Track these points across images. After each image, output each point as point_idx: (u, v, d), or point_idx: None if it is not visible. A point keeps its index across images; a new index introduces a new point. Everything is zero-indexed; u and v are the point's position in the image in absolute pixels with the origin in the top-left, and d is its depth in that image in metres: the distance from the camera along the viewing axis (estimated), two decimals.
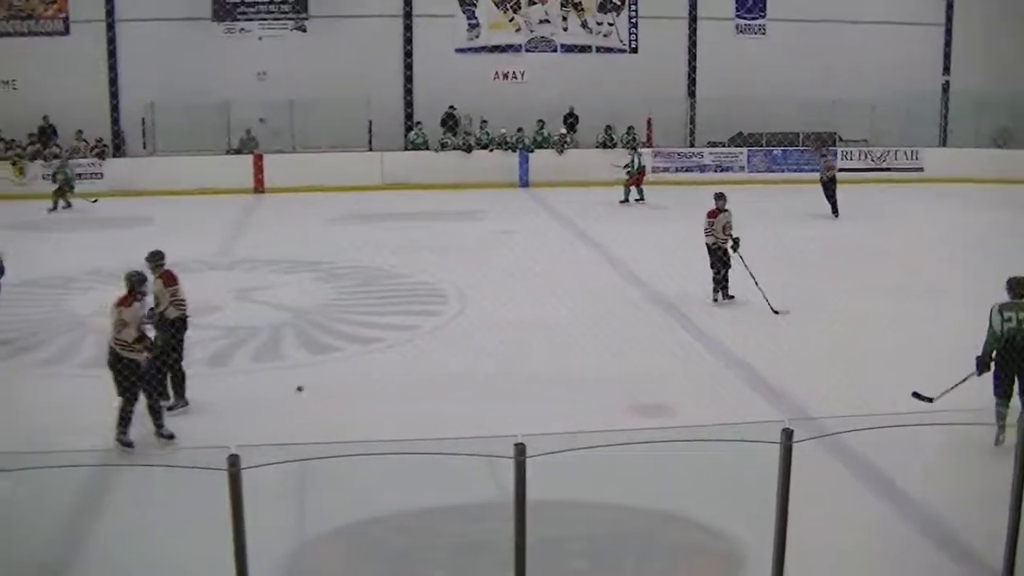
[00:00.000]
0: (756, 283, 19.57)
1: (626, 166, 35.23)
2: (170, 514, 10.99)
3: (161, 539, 10.83)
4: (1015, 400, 13.03)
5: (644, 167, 35.63)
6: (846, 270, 23.19)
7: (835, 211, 31.11)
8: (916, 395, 13.40)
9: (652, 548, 11.05)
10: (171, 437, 13.53)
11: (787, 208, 31.49)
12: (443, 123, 40.27)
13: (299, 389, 15.06)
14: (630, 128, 39.34)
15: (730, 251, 20.12)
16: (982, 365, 13.10)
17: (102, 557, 10.93)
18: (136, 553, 10.68)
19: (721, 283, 20.29)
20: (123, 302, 13.48)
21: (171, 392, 14.74)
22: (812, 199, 31.42)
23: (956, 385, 12.90)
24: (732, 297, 20.26)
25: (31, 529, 11.25)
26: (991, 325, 13.18)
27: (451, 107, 40.38)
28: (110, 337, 13.39)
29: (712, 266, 20.28)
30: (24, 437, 12.65)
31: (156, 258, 15.01)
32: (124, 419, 13.18)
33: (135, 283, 13.62)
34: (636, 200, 34.86)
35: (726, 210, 20.37)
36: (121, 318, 13.31)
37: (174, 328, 14.79)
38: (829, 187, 31.27)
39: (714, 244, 20.20)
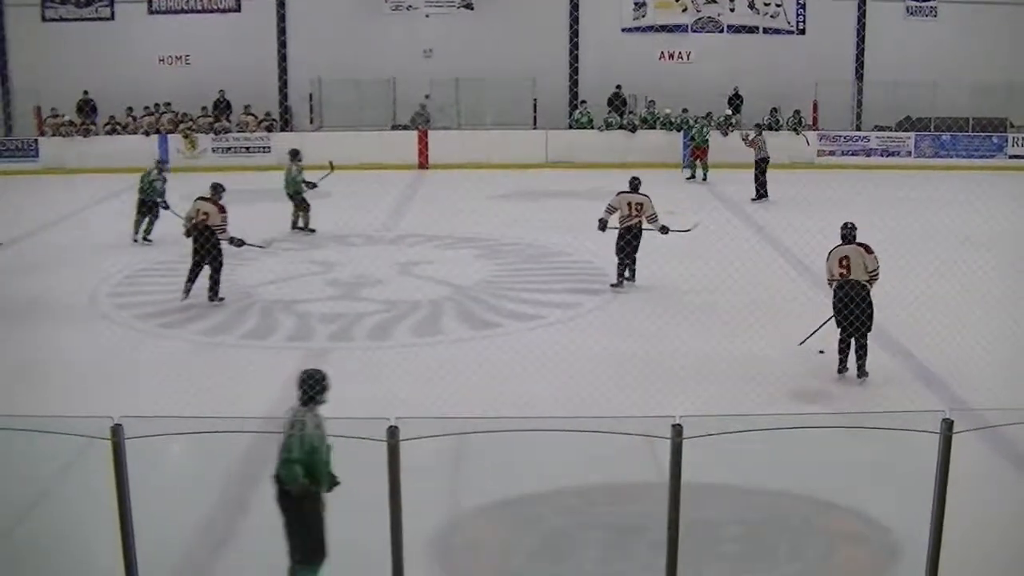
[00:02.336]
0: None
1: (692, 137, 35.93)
2: None
3: None
4: None
5: (707, 141, 35.63)
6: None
7: (763, 194, 31.24)
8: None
9: (807, 534, 10.97)
10: None
11: (950, 194, 30.84)
12: (610, 103, 40.17)
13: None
14: (796, 111, 38.79)
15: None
16: None
17: (263, 523, 11.17)
18: None
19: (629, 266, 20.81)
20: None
21: None
22: (981, 185, 30.76)
23: None
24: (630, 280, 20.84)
25: (197, 493, 11.57)
26: None
27: (617, 87, 40.26)
28: None
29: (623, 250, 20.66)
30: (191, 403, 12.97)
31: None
32: None
33: None
34: (702, 179, 35.14)
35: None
36: None
37: None
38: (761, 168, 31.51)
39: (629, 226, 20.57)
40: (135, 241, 24.86)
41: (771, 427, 8.76)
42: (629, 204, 20.58)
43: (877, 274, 15.31)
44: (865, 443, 10.88)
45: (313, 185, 26.00)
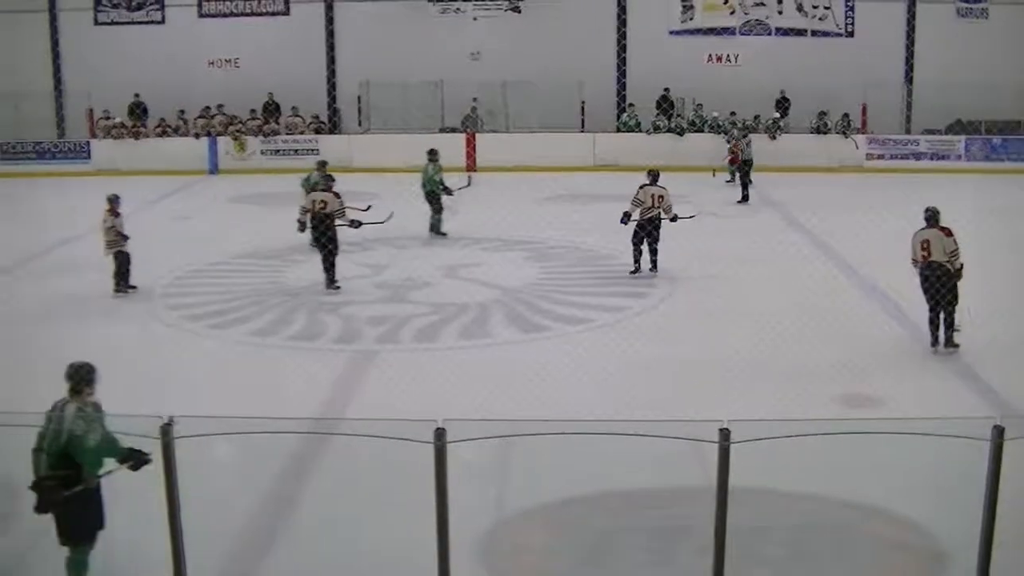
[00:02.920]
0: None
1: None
2: (375, 485, 11.23)
3: (365, 509, 11.08)
4: None
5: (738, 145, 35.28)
6: None
7: (746, 196, 31.70)
8: None
9: (853, 541, 10.92)
10: None
11: (1001, 198, 30.60)
12: (658, 105, 40.08)
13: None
14: (845, 115, 38.59)
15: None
16: None
17: (308, 523, 11.23)
18: (340, 521, 10.95)
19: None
20: None
21: None
22: None
23: None
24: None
25: (244, 491, 11.64)
26: None
27: (666, 89, 40.17)
28: None
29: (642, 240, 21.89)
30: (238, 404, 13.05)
31: None
32: None
33: None
34: (727, 181, 34.74)
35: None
36: None
37: None
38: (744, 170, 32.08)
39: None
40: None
41: (818, 432, 8.73)
42: (652, 196, 21.73)
43: (957, 254, 16.36)
44: (913, 449, 10.82)
45: (448, 191, 26.09)
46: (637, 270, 21.71)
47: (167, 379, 15.38)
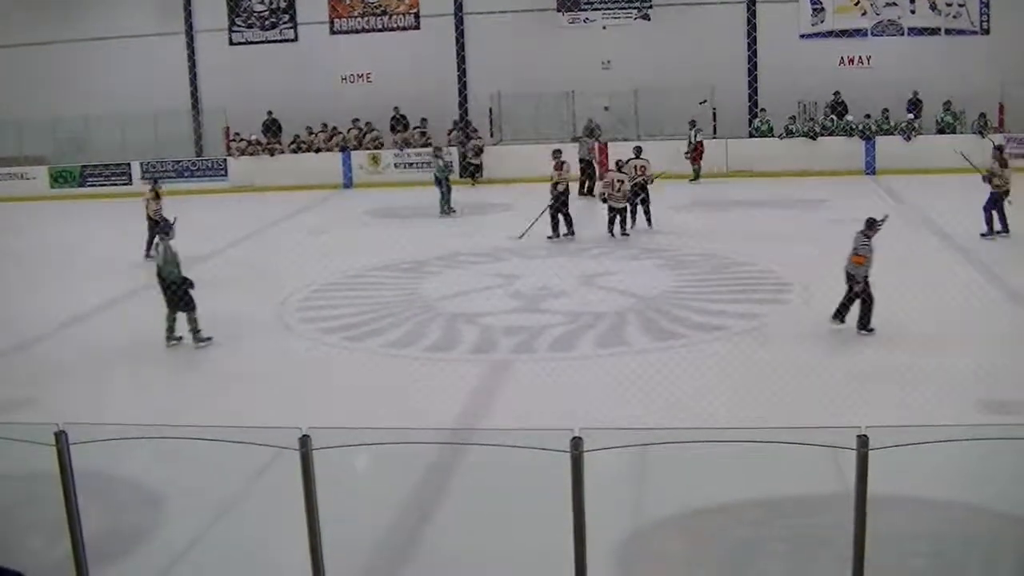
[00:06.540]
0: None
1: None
2: (511, 494, 11.25)
3: (501, 517, 11.11)
4: None
5: (701, 143, 37.19)
6: None
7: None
8: None
9: (998, 551, 10.72)
10: None
11: None
12: (832, 109, 39.65)
13: None
14: (981, 114, 37.72)
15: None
16: None
17: (445, 532, 11.30)
18: (477, 530, 11.01)
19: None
20: None
21: None
22: None
23: None
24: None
25: (381, 502, 11.74)
26: None
27: (836, 93, 39.49)
28: None
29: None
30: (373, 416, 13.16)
31: None
32: None
33: None
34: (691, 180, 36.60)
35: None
36: None
37: None
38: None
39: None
40: None
41: (960, 438, 8.57)
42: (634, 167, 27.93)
43: None
44: None
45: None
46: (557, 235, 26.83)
47: (304, 391, 15.58)
